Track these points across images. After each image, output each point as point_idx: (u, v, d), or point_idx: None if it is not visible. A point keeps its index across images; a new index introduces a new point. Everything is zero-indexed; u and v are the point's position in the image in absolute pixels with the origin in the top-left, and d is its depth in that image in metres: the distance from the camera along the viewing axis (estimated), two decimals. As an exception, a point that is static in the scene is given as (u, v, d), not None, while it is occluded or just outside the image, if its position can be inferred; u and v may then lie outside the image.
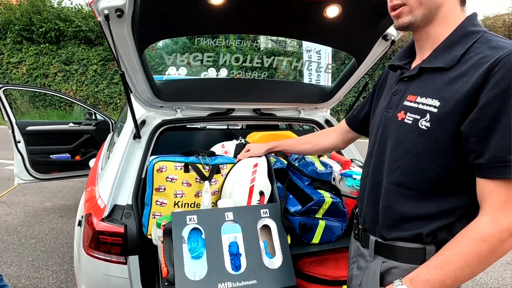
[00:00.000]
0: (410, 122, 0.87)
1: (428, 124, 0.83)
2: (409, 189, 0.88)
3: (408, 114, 0.88)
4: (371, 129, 1.07)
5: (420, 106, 0.85)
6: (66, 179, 4.25)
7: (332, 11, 1.52)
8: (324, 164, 1.56)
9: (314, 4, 1.49)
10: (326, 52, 6.50)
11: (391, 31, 1.68)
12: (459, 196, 0.84)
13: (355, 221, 1.11)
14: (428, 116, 0.83)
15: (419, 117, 0.85)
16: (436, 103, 0.82)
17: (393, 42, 1.75)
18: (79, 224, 1.69)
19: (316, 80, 6.59)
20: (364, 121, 1.23)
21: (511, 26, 11.23)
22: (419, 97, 0.87)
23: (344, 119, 1.37)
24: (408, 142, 0.87)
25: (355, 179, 1.52)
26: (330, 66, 5.22)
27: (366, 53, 1.82)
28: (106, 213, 1.46)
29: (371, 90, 1.24)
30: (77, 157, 4.10)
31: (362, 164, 1.91)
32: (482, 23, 11.63)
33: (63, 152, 4.03)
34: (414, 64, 0.95)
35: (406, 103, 0.90)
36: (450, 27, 0.86)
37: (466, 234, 0.77)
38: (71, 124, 4.10)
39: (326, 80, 6.34)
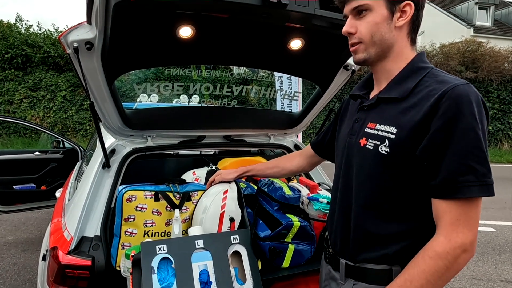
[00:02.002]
0: (371, 147, 0.94)
1: (387, 149, 0.90)
2: (374, 211, 0.94)
3: (369, 140, 0.95)
4: (336, 154, 1.14)
5: (379, 133, 0.93)
6: (30, 211, 4.05)
7: (296, 44, 1.63)
8: (292, 188, 1.61)
9: (278, 37, 1.59)
10: (297, 79, 6.72)
11: (351, 61, 1.80)
12: (420, 216, 0.90)
13: (325, 244, 1.15)
14: (387, 142, 0.90)
15: (379, 143, 0.92)
16: (393, 130, 0.89)
17: (353, 71, 1.87)
18: (44, 258, 1.62)
19: (288, 105, 6.74)
20: (328, 146, 1.30)
21: (465, 53, 12.27)
22: (378, 124, 0.94)
23: (309, 144, 1.44)
24: (371, 166, 0.94)
25: (321, 202, 1.57)
26: (297, 94, 5.43)
27: (329, 82, 1.92)
28: (72, 246, 1.42)
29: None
30: (43, 187, 3.92)
31: (329, 188, 1.98)
32: (440, 50, 12.58)
33: (27, 182, 3.85)
34: (372, 94, 1.04)
35: (367, 130, 0.97)
36: (402, 63, 0.96)
37: (424, 252, 0.83)
38: (36, 153, 3.95)
39: (298, 107, 6.51)
